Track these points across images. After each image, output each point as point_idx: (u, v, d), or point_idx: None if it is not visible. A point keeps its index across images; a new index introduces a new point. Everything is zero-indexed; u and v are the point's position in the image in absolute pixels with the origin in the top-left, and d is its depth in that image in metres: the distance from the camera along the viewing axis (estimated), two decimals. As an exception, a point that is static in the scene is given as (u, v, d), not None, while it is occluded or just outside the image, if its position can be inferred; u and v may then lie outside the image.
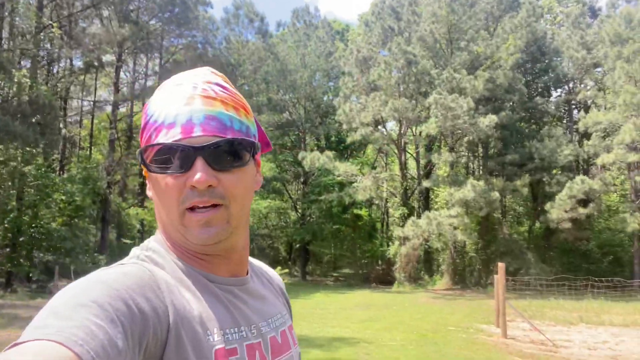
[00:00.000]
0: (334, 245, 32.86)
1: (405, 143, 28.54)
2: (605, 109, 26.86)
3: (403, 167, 28.40)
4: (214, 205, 0.68)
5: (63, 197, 18.11)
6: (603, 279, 19.28)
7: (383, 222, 34.41)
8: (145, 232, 27.91)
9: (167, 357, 0.61)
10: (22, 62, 21.75)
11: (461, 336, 10.06)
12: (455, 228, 21.85)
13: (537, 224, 27.38)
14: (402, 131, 27.88)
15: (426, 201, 28.87)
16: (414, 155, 30.32)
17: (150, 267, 0.68)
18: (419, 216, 24.02)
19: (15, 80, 16.32)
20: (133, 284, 0.61)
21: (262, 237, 29.45)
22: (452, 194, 22.18)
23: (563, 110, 32.74)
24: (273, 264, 27.42)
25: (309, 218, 31.12)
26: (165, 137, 0.68)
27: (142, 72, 30.87)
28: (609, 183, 25.71)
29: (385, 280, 27.94)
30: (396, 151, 29.34)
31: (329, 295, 21.58)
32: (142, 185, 28.78)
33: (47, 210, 17.45)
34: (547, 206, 23.52)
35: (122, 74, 28.47)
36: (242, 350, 0.68)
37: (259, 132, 0.80)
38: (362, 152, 36.14)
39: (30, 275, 16.84)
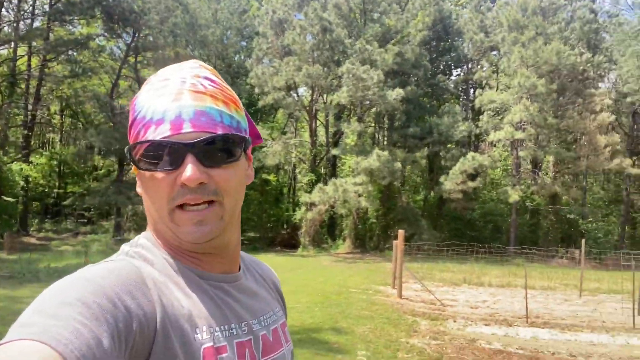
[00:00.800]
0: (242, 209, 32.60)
1: (316, 110, 28.83)
2: (497, 89, 29.34)
3: (313, 134, 28.76)
4: (208, 203, 0.67)
5: None
6: (485, 245, 21.57)
7: (290, 188, 34.82)
8: (29, 189, 25.44)
9: (155, 356, 0.60)
10: None
11: (361, 297, 10.71)
12: (359, 195, 22.83)
13: (432, 194, 29.55)
14: (314, 98, 28.06)
15: (333, 168, 29.68)
16: (324, 123, 30.80)
17: (138, 264, 0.66)
18: (326, 183, 24.68)
19: None
20: (119, 282, 0.60)
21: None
22: (359, 163, 23.02)
23: (461, 89, 35.14)
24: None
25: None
26: (154, 134, 0.66)
27: (29, 10, 27.28)
28: (496, 159, 28.43)
29: (290, 244, 28.56)
30: (307, 118, 29.58)
31: (234, 259, 21.56)
32: (27, 138, 26.00)
33: None
34: (442, 178, 25.43)
35: (3, 11, 24.91)
36: (231, 348, 0.67)
37: (249, 125, 0.79)
38: (272, 116, 35.85)
39: None
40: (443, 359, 5.77)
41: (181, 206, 0.66)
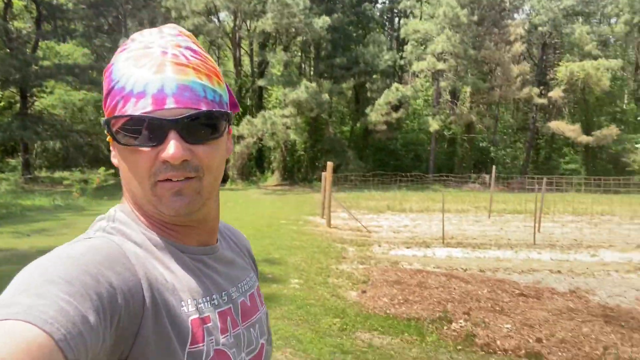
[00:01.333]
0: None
1: (240, 38, 27.51)
2: (421, 19, 29.59)
3: (237, 63, 27.65)
4: (187, 178, 0.66)
5: None
6: (407, 174, 22.76)
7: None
8: None
9: (144, 330, 0.60)
10: None
11: (292, 228, 11.06)
12: (287, 128, 22.77)
13: (358, 125, 30.17)
14: (237, 24, 26.64)
15: (260, 100, 29.06)
16: (249, 52, 29.58)
17: (117, 240, 0.65)
18: (252, 115, 24.22)
19: None
20: (102, 259, 0.59)
21: (78, 133, 26.27)
22: (286, 94, 22.72)
23: (386, 17, 35.02)
24: (94, 163, 25.17)
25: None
26: (135, 108, 0.63)
27: None
28: (418, 89, 29.28)
29: (217, 177, 28.25)
30: (230, 46, 28.19)
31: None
32: None
33: None
34: (368, 110, 25.91)
35: None
36: (214, 318, 0.69)
37: (229, 97, 0.76)
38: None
39: None
40: (369, 282, 6.25)
41: (161, 180, 0.65)
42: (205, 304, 0.68)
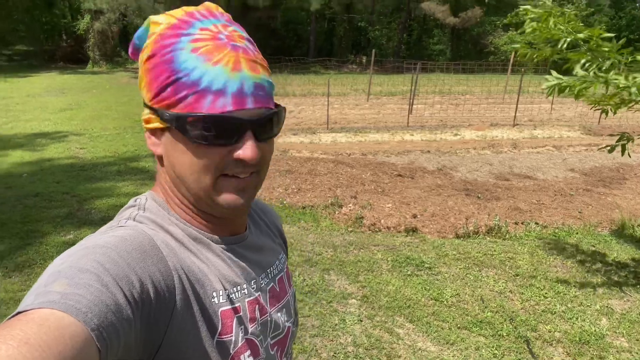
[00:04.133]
0: (-2, 16, 26.15)
1: None
2: None
3: None
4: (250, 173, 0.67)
5: None
6: (290, 57, 22.27)
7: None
8: None
9: (176, 320, 0.61)
10: None
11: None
12: (156, 2, 20.33)
13: (235, 1, 27.96)
14: None
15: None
16: None
17: (149, 231, 0.64)
18: (112, -15, 21.01)
19: None
20: (133, 249, 0.59)
21: None
22: (150, -38, 19.86)
23: None
24: None
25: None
26: (213, 106, 0.61)
27: None
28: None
29: (75, 58, 24.94)
30: None
31: (7, 80, 18.12)
32: None
33: None
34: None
35: None
36: (244, 307, 0.70)
37: None
38: None
39: None
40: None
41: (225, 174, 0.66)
42: (236, 293, 0.70)
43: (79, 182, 5.81)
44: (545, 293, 3.52)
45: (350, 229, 4.71)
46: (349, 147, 8.31)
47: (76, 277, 0.51)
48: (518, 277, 3.78)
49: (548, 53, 3.26)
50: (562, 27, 3.07)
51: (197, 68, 0.61)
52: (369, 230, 4.73)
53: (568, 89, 2.97)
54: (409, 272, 3.78)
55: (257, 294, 0.74)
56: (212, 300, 0.66)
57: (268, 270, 0.79)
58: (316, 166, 6.72)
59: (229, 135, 0.62)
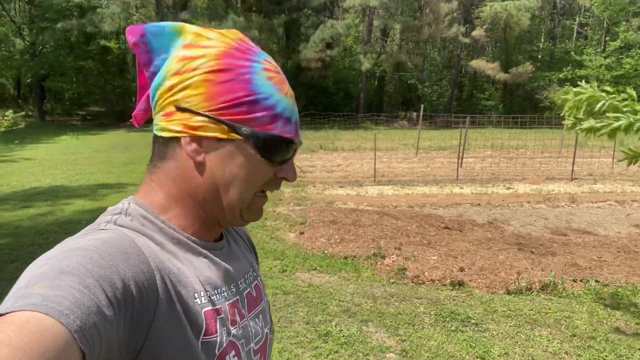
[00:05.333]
0: (76, 81, 28.94)
1: (159, -35, 25.22)
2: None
3: (157, -7, 25.46)
4: None
5: None
6: (339, 113, 22.88)
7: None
8: None
9: (159, 320, 0.61)
10: None
11: (225, 171, 10.90)
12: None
13: (289, 63, 29.47)
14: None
15: (183, 35, 27.29)
16: (169, -20, 27.28)
17: (130, 233, 0.65)
18: (177, 51, 22.80)
19: None
20: (114, 251, 0.59)
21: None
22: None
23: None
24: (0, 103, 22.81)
25: (41, 48, 25.92)
26: (282, 129, 0.70)
27: None
28: (350, 26, 28.89)
29: (142, 118, 26.81)
30: (148, -26, 25.80)
31: (79, 138, 19.70)
32: None
33: None
34: (301, 46, 25.28)
35: None
36: (225, 310, 0.71)
37: None
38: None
39: None
40: (307, 223, 6.43)
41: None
42: (217, 295, 0.71)
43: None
44: (606, 356, 3.18)
45: (392, 281, 4.56)
46: (395, 200, 8.21)
47: (57, 279, 0.51)
48: (575, 337, 3.46)
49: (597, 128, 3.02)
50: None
51: (273, 95, 0.69)
52: (412, 282, 4.55)
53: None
54: (453, 328, 3.56)
55: (235, 298, 0.75)
56: (195, 300, 0.66)
57: (245, 276, 0.81)
58: (361, 217, 6.66)
59: (284, 156, 0.71)
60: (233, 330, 0.71)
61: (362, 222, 6.45)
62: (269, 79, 0.69)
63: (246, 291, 0.79)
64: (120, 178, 10.17)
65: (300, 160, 12.62)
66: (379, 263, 4.98)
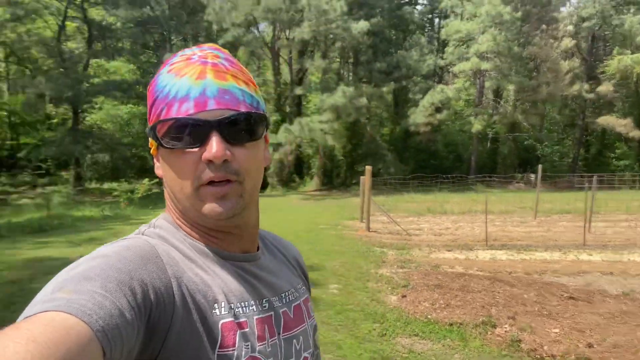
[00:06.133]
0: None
1: (279, 48, 27.93)
2: (463, 19, 29.03)
3: (276, 72, 28.05)
4: (228, 181, 0.68)
5: None
6: (448, 175, 22.29)
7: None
8: None
9: (175, 327, 0.61)
10: None
11: (331, 233, 11.06)
12: (325, 133, 22.86)
13: (398, 128, 29.90)
14: (275, 34, 27.08)
15: (298, 107, 29.32)
16: (287, 60, 29.98)
17: (152, 242, 0.68)
18: (291, 122, 24.49)
19: None
20: (135, 257, 0.62)
21: (125, 146, 27.45)
22: (324, 100, 22.83)
23: (426, 19, 34.58)
24: (140, 174, 26.17)
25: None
26: (178, 112, 0.66)
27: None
28: (460, 90, 28.72)
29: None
30: (269, 56, 28.65)
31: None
32: None
33: None
34: (410, 111, 25.63)
35: None
36: (251, 324, 0.69)
37: None
38: (233, 55, 34.50)
39: None
40: (410, 286, 6.15)
41: (207, 184, 0.68)
42: (243, 308, 0.69)
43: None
44: None
45: (504, 353, 4.09)
46: (510, 265, 7.54)
47: (80, 284, 0.54)
48: None
49: None
50: None
51: (168, 84, 0.68)
52: (528, 356, 4.03)
53: None
54: (578, 412, 3.04)
55: (267, 314, 0.73)
56: (214, 311, 0.66)
57: (282, 295, 0.78)
58: (469, 282, 6.20)
59: (195, 137, 0.66)
60: (260, 347, 0.69)
61: (471, 287, 5.99)
62: (169, 72, 0.69)
63: (282, 309, 0.76)
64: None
65: (407, 223, 12.34)
66: (489, 332, 4.53)
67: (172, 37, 30.15)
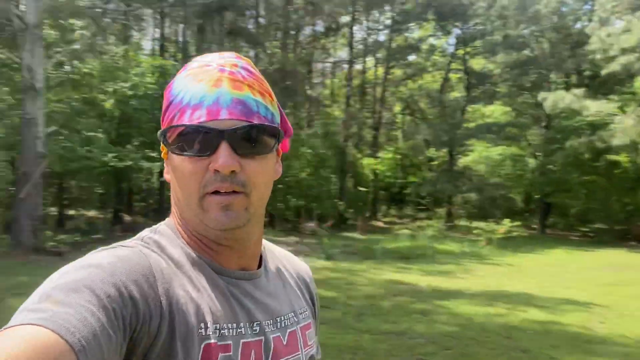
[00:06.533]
0: (582, 197, 28.82)
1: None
2: None
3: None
4: (234, 192, 0.66)
5: (309, 151, 20.75)
6: None
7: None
8: (378, 180, 29.97)
9: (156, 347, 0.60)
10: (274, 34, 25.36)
11: None
12: None
13: None
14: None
15: None
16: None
17: (147, 252, 0.67)
18: None
19: (268, 51, 19.25)
20: (127, 270, 0.60)
21: (493, 186, 27.95)
22: None
23: None
24: (507, 214, 25.97)
25: (550, 167, 27.87)
26: (190, 119, 0.66)
27: (375, 27, 32.00)
28: None
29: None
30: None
31: (571, 253, 19.26)
32: (375, 137, 30.59)
33: (297, 162, 20.33)
34: None
35: (356, 33, 30.19)
36: (236, 348, 0.65)
37: (281, 120, 0.76)
38: (624, 86, 29.82)
39: (286, 216, 20.31)
40: None
41: (212, 193, 0.67)
42: (230, 330, 0.66)
43: (572, 352, 5.44)
44: None
45: None
46: None
47: (67, 296, 0.53)
48: None
49: None
50: None
51: (182, 89, 0.68)
52: None
53: None
54: None
55: (256, 338, 0.69)
56: (199, 331, 0.63)
57: (278, 319, 0.74)
58: None
59: (204, 145, 0.65)
60: None
61: None
62: (185, 77, 0.68)
63: (274, 335, 0.72)
64: (593, 297, 9.22)
65: None
66: None
67: (551, 75, 28.87)
